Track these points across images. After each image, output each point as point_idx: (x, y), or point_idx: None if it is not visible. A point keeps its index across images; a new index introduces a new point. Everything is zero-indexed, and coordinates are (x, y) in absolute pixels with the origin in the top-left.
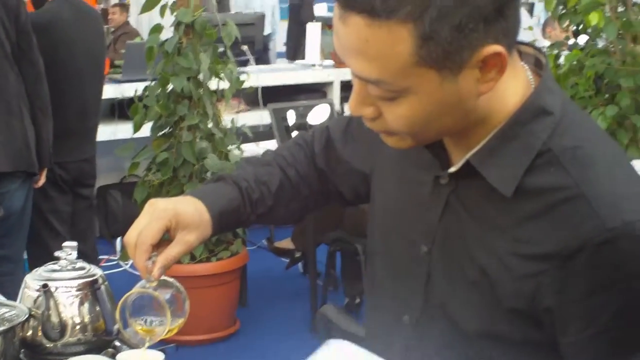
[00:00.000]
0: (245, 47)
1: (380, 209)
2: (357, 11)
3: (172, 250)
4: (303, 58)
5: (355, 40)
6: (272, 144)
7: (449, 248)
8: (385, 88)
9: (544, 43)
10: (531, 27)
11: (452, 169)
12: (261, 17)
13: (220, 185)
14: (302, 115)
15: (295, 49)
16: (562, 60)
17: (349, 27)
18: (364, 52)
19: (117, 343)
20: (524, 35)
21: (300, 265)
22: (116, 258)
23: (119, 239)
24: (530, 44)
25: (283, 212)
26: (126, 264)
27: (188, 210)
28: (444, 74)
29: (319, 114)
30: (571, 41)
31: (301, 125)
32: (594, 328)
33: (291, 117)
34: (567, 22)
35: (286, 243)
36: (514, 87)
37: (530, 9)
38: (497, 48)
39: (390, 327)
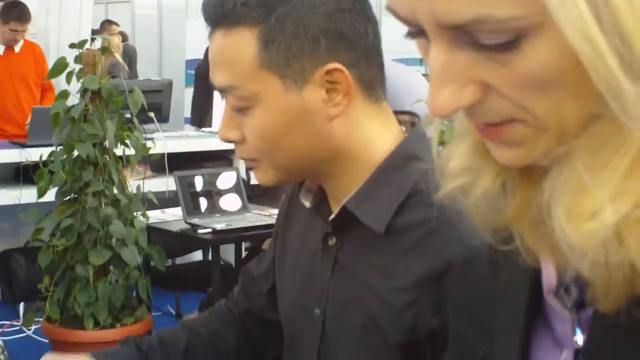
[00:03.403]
0: (151, 114)
1: (282, 287)
2: (216, 26)
3: None
4: (210, 125)
5: (216, 53)
6: (177, 211)
7: (340, 303)
8: (238, 95)
9: None
10: None
11: (332, 216)
12: (169, 84)
13: (120, 347)
14: (209, 182)
15: (201, 116)
16: None
17: (213, 44)
18: (220, 62)
19: None
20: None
21: None
22: (19, 324)
23: (22, 304)
24: (407, 112)
25: None
26: (29, 330)
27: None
28: (288, 84)
29: (226, 181)
30: None
31: (208, 192)
32: None
33: (199, 184)
34: None
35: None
36: (382, 132)
37: None
38: (338, 65)
39: None
